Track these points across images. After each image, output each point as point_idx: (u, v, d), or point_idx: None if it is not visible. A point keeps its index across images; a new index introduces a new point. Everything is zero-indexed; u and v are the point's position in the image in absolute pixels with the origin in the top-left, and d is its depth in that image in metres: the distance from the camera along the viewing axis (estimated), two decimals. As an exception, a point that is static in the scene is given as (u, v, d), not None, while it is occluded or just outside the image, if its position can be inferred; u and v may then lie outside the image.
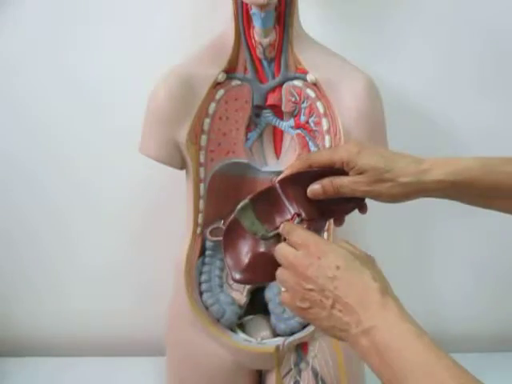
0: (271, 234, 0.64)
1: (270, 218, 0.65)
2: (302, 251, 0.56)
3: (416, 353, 0.50)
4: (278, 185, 0.65)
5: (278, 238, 0.63)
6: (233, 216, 0.65)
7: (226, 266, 0.87)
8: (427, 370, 0.49)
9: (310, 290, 0.55)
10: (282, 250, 0.58)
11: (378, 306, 0.52)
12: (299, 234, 0.58)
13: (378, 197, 0.65)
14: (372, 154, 0.65)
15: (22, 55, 0.99)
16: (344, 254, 0.55)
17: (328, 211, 0.67)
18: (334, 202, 0.66)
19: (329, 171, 0.65)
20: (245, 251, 0.64)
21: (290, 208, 0.65)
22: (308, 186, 0.65)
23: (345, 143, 0.70)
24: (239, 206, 0.64)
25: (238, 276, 0.64)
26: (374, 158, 0.64)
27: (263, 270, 0.63)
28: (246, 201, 0.65)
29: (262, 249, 0.64)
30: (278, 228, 0.64)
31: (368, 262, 0.56)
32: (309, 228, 0.64)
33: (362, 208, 0.69)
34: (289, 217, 0.64)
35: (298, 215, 0.64)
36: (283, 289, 0.58)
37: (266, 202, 0.65)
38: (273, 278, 0.59)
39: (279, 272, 0.58)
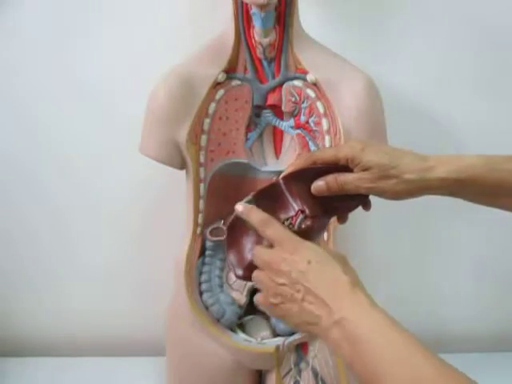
0: None
1: (273, 215, 0.64)
2: (276, 247, 0.57)
3: (387, 341, 0.50)
4: (281, 181, 0.65)
5: None
6: (236, 213, 0.65)
7: (227, 264, 0.88)
8: (398, 356, 0.49)
9: (282, 284, 0.55)
10: (257, 252, 0.59)
11: (349, 297, 0.53)
12: (275, 228, 0.59)
13: (381, 194, 0.65)
14: (376, 151, 0.65)
15: (21, 55, 0.99)
16: (316, 249, 0.56)
17: (332, 208, 0.67)
18: (338, 198, 0.65)
19: (333, 168, 0.65)
20: (248, 248, 0.64)
21: (294, 204, 0.65)
22: (312, 182, 0.65)
23: (349, 141, 0.70)
24: (243, 202, 0.64)
25: (240, 272, 0.64)
26: (378, 154, 0.65)
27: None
28: (249, 197, 0.65)
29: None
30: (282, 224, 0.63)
31: (340, 258, 0.57)
32: (312, 224, 0.64)
33: (366, 205, 0.69)
34: (292, 213, 0.64)
35: (302, 212, 0.64)
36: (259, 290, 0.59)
37: (270, 199, 0.65)
38: None
39: (255, 274, 0.59)
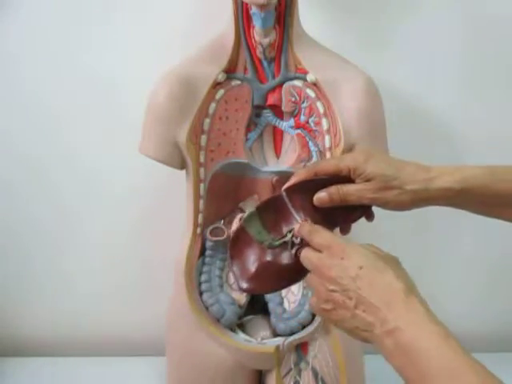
0: (278, 242, 0.64)
1: (276, 227, 0.65)
2: (325, 253, 0.56)
3: (442, 355, 0.49)
4: (284, 193, 0.65)
5: (285, 246, 0.63)
6: (239, 225, 0.66)
7: (226, 266, 0.88)
8: (453, 373, 0.48)
9: (333, 290, 0.54)
10: (306, 254, 0.58)
11: (403, 306, 0.52)
12: (322, 235, 0.58)
13: (384, 205, 0.65)
14: (379, 162, 0.65)
15: (23, 52, 0.99)
16: (367, 254, 0.55)
17: (334, 219, 0.66)
18: (341, 209, 0.65)
19: (335, 179, 0.65)
20: (251, 260, 0.64)
21: (297, 216, 0.65)
22: (314, 194, 0.65)
23: (351, 152, 0.70)
24: (245, 215, 0.65)
25: (244, 285, 0.64)
26: (381, 165, 0.64)
27: (270, 279, 0.63)
28: (252, 210, 0.65)
29: (268, 258, 0.64)
30: (284, 237, 0.64)
31: (392, 262, 0.56)
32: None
33: (369, 216, 0.68)
34: (295, 225, 0.64)
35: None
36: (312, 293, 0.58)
37: (273, 211, 0.65)
38: (279, 288, 0.59)
39: (308, 277, 0.58)
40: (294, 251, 0.62)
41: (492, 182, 0.64)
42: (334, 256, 0.55)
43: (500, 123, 1.07)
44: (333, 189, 0.65)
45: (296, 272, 0.62)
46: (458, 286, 1.14)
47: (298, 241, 0.62)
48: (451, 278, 1.14)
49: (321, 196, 0.65)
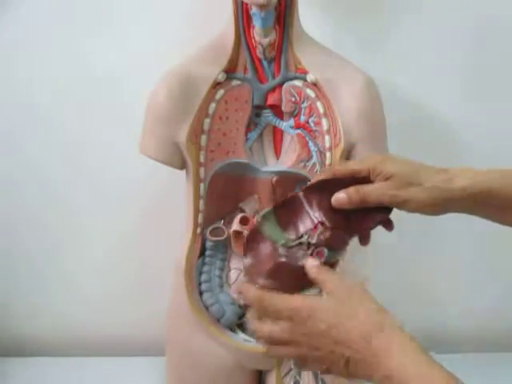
0: (293, 243, 0.63)
1: (292, 227, 0.64)
2: (288, 323, 0.56)
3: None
4: (301, 193, 0.64)
5: (301, 247, 0.62)
6: (255, 224, 0.65)
7: (226, 266, 0.88)
8: None
9: (320, 357, 0.55)
10: (264, 329, 0.58)
11: (385, 353, 0.52)
12: (275, 302, 0.57)
13: (404, 203, 0.63)
14: (398, 162, 0.64)
15: (27, 51, 1.00)
16: (327, 307, 0.55)
17: (353, 224, 0.65)
18: (359, 213, 0.64)
19: (353, 181, 0.64)
20: (266, 258, 0.63)
21: (313, 217, 0.64)
22: (332, 195, 0.64)
23: (369, 155, 0.69)
24: (261, 214, 0.64)
25: (261, 281, 0.62)
26: (399, 164, 0.64)
27: (285, 279, 0.62)
28: (268, 209, 0.64)
29: (283, 258, 0.63)
30: (301, 237, 0.63)
31: (359, 297, 0.56)
32: (332, 237, 0.62)
33: (388, 224, 0.67)
34: (312, 226, 0.63)
35: (322, 224, 0.63)
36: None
37: (289, 211, 0.64)
38: (295, 290, 0.58)
39: (281, 352, 0.57)
40: (310, 252, 0.62)
41: (507, 184, 0.63)
42: (301, 324, 0.55)
43: (501, 122, 1.07)
44: (352, 189, 0.63)
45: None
46: (457, 285, 1.15)
47: (314, 241, 0.62)
48: (450, 277, 1.14)
49: (339, 197, 0.63)
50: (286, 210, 0.65)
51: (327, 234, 0.63)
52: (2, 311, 1.10)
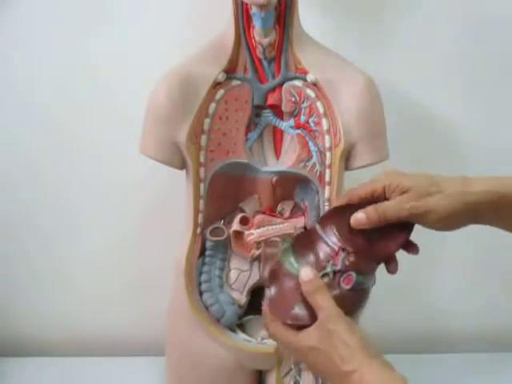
0: (319, 275, 0.61)
1: (313, 259, 0.63)
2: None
3: None
4: (317, 225, 0.64)
5: (327, 277, 0.61)
6: (276, 260, 0.64)
7: (226, 266, 0.88)
8: None
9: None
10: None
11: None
12: (297, 340, 0.59)
13: (425, 215, 0.61)
14: (412, 175, 0.63)
15: (27, 51, 1.00)
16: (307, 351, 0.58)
17: (375, 248, 0.63)
18: (380, 236, 0.63)
19: (368, 202, 0.63)
20: (290, 294, 0.61)
21: (333, 245, 0.62)
22: (349, 219, 0.63)
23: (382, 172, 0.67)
24: (280, 249, 0.63)
25: (289, 322, 0.61)
26: (415, 176, 0.63)
27: (311, 312, 0.60)
28: (286, 244, 0.63)
29: None
30: (324, 268, 0.61)
31: (328, 334, 0.57)
32: (357, 261, 0.61)
33: (412, 247, 0.66)
34: (333, 253, 0.62)
35: (343, 249, 0.62)
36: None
37: (307, 244, 0.64)
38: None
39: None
40: (336, 281, 0.60)
41: None
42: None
43: (501, 122, 1.07)
44: (370, 208, 0.62)
45: (349, 300, 0.60)
46: (457, 285, 1.15)
47: (338, 267, 0.61)
48: (450, 277, 1.14)
49: (358, 217, 0.62)
50: (303, 244, 0.63)
51: (351, 258, 0.61)
52: (1, 311, 1.10)
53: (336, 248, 0.62)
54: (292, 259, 0.63)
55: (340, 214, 0.64)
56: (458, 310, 1.15)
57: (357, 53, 0.90)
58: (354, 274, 0.60)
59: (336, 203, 0.65)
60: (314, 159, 0.86)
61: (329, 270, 0.61)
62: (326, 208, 0.86)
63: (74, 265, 1.09)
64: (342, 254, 0.62)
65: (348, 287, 0.60)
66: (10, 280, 1.09)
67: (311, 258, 0.63)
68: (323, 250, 0.63)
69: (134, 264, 1.09)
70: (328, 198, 0.86)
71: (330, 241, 0.63)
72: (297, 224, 0.88)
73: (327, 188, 0.86)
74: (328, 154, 0.85)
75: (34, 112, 1.02)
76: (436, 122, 1.07)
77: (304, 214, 0.90)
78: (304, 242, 0.64)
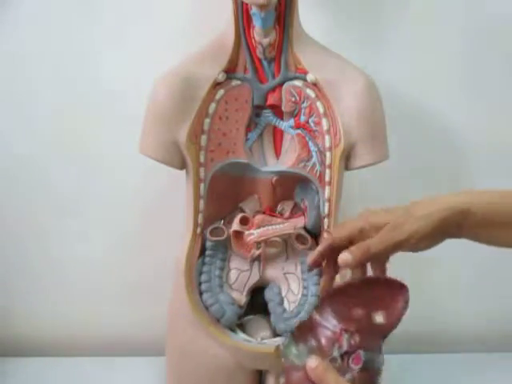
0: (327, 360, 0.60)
1: (317, 347, 0.62)
2: None
3: None
4: (314, 312, 0.63)
5: (335, 362, 0.60)
6: (280, 356, 0.62)
7: (226, 266, 0.88)
8: None
9: None
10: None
11: None
12: None
13: (406, 241, 0.63)
14: (386, 210, 0.66)
15: (22, 52, 1.00)
16: None
17: (375, 321, 0.63)
18: (378, 304, 0.63)
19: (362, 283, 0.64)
20: None
21: (334, 328, 0.62)
22: (344, 299, 0.63)
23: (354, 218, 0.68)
24: (283, 344, 0.62)
25: None
26: (388, 210, 0.65)
27: None
28: (287, 339, 0.62)
29: None
30: (331, 354, 0.61)
31: None
32: (363, 339, 0.60)
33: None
34: (335, 337, 0.61)
35: (345, 330, 0.61)
36: None
37: (307, 333, 0.63)
38: None
39: None
40: (345, 363, 0.59)
41: (498, 204, 0.65)
42: None
43: (502, 123, 1.07)
44: (353, 246, 0.62)
45: (362, 382, 0.59)
46: (457, 285, 1.15)
47: (345, 349, 0.60)
48: (449, 278, 1.14)
49: (343, 257, 0.62)
50: (305, 334, 0.63)
51: (356, 337, 0.60)
52: (1, 311, 1.10)
53: (338, 330, 0.62)
54: (295, 351, 0.62)
55: (333, 296, 0.63)
56: (457, 310, 1.15)
57: (357, 53, 0.90)
58: (361, 353, 0.60)
59: (320, 248, 0.65)
60: (314, 159, 0.86)
61: (336, 353, 0.60)
62: (326, 208, 0.86)
63: (73, 265, 1.08)
64: (345, 335, 0.61)
65: (358, 367, 0.59)
66: (9, 280, 1.09)
67: (314, 345, 0.62)
68: (325, 336, 0.62)
69: (134, 264, 1.09)
70: (328, 197, 0.86)
71: (331, 324, 0.62)
72: (297, 224, 0.89)
73: (327, 188, 0.86)
74: (328, 154, 0.85)
75: (34, 112, 1.02)
76: (436, 122, 1.07)
77: (304, 214, 0.90)
78: (305, 332, 0.63)
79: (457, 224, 0.64)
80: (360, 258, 0.62)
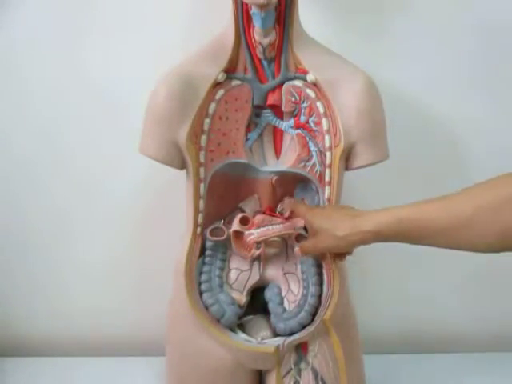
0: None
1: None
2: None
3: None
4: None
5: None
6: None
7: (226, 266, 0.88)
8: None
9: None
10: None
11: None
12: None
13: (332, 250, 0.83)
14: (320, 216, 0.81)
15: (22, 55, 1.00)
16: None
17: None
18: None
19: None
20: None
21: None
22: None
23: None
24: None
25: None
26: (321, 219, 0.81)
27: None
28: None
29: None
30: None
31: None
32: None
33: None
34: None
35: None
36: None
37: None
38: None
39: None
40: None
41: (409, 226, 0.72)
42: None
43: (501, 122, 1.07)
44: (303, 244, 0.84)
45: None
46: (456, 286, 1.15)
47: None
48: (449, 278, 1.14)
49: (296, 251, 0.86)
50: None
51: None
52: (1, 311, 1.10)
53: None
54: None
55: None
56: (457, 309, 1.15)
57: (357, 52, 0.90)
58: None
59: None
60: (314, 159, 0.86)
61: None
62: (326, 208, 0.86)
63: (74, 264, 1.09)
64: None
65: None
66: (10, 280, 1.09)
67: None
68: None
69: (134, 264, 1.09)
70: (328, 197, 0.86)
71: None
72: (297, 224, 0.89)
73: (327, 188, 0.86)
74: (328, 154, 0.85)
75: (34, 112, 1.02)
76: (436, 122, 1.07)
77: (304, 214, 0.90)
78: None
79: (378, 240, 0.75)
80: (306, 253, 0.85)
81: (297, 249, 0.84)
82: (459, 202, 0.68)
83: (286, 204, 0.89)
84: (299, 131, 0.87)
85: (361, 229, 0.74)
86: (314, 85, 0.85)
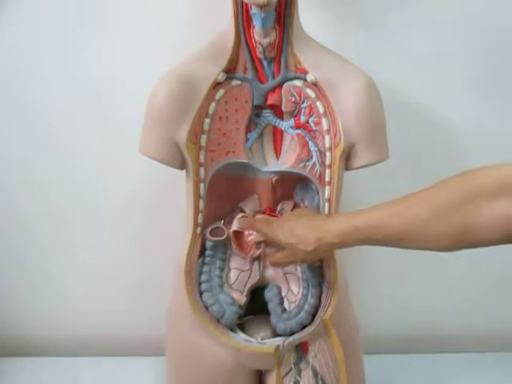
0: None
1: None
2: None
3: None
4: None
5: None
6: None
7: (226, 266, 0.88)
8: None
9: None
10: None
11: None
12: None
13: (303, 261, 0.84)
14: (283, 230, 0.81)
15: (21, 55, 1.00)
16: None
17: None
18: None
19: None
20: None
21: None
22: None
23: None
24: None
25: None
26: (285, 233, 0.80)
27: None
28: None
29: None
30: None
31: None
32: None
33: None
34: None
35: None
36: None
37: None
38: None
39: None
40: None
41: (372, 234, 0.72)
42: None
43: (501, 122, 1.07)
44: (274, 257, 0.84)
45: None
46: (456, 286, 1.15)
47: None
48: (449, 279, 1.14)
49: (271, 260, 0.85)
50: None
51: None
52: (1, 311, 1.10)
53: None
54: None
55: None
56: (457, 310, 1.15)
57: (357, 52, 0.90)
58: None
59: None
60: (314, 159, 0.86)
61: None
62: (326, 208, 0.86)
63: (73, 264, 1.09)
64: None
65: None
66: (9, 279, 1.09)
67: None
68: None
69: (134, 264, 1.09)
70: (328, 197, 0.86)
71: None
72: (297, 224, 0.89)
73: (327, 188, 0.86)
74: (328, 154, 0.85)
75: (34, 112, 1.02)
76: (436, 122, 1.07)
77: (304, 214, 0.89)
78: None
79: (346, 247, 0.77)
80: (278, 266, 0.86)
81: (268, 261, 0.85)
82: (414, 206, 0.68)
83: (243, 225, 0.87)
84: (299, 131, 0.87)
85: (324, 241, 0.76)
86: (314, 85, 0.85)
